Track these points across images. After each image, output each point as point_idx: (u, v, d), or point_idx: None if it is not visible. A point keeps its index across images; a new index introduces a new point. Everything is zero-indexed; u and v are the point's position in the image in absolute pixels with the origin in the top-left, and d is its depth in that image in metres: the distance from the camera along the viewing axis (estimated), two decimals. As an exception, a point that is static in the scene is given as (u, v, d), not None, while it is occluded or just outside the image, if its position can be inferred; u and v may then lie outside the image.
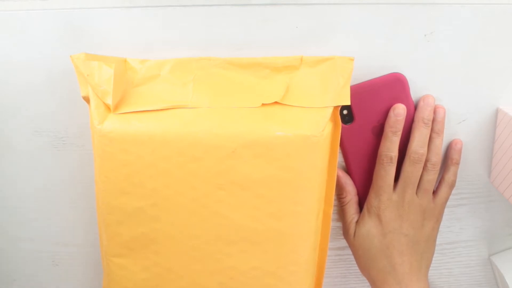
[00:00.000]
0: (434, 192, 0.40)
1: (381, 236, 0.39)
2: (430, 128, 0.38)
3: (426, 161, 0.38)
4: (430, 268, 0.41)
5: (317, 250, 0.39)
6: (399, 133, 0.38)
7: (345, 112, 0.39)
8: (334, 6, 0.37)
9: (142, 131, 0.34)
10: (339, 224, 0.43)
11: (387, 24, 0.37)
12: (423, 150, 0.38)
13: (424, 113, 0.38)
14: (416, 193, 0.39)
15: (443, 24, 0.37)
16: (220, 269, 0.36)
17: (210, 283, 0.37)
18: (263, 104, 0.35)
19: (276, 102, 0.35)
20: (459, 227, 0.44)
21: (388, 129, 0.38)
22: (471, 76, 0.39)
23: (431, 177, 0.39)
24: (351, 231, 0.41)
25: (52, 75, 0.39)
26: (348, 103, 0.35)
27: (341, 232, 0.43)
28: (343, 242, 0.44)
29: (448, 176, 0.40)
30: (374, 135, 0.39)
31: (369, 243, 0.39)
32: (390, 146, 0.38)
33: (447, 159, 0.40)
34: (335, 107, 0.35)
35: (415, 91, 0.39)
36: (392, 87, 0.38)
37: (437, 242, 0.42)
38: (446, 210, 0.41)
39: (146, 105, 0.35)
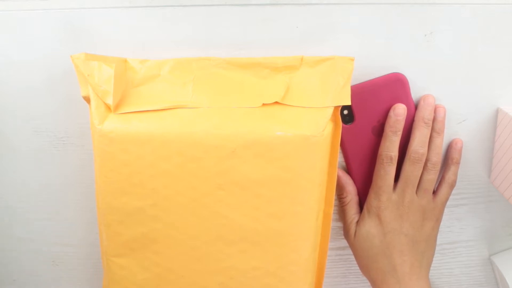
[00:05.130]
0: (434, 192, 0.40)
1: (381, 236, 0.39)
2: (430, 127, 0.38)
3: (426, 160, 0.38)
4: (431, 268, 0.41)
5: (317, 250, 0.39)
6: (399, 133, 0.38)
7: (345, 112, 0.39)
8: (334, 6, 0.37)
9: (142, 131, 0.34)
10: (339, 224, 0.43)
11: (387, 24, 0.37)
12: (423, 150, 0.38)
13: (425, 113, 0.38)
14: (416, 193, 0.39)
15: (443, 24, 0.37)
16: (220, 269, 0.36)
17: (210, 283, 0.37)
18: (263, 104, 0.35)
19: (276, 102, 0.35)
20: (459, 227, 0.44)
21: (388, 129, 0.38)
22: (471, 76, 0.39)
23: (431, 176, 0.39)
24: (352, 231, 0.41)
25: (52, 75, 0.39)
26: (348, 103, 0.35)
27: (341, 232, 0.43)
28: (343, 242, 0.44)
29: (449, 176, 0.40)
30: (374, 135, 0.39)
31: (369, 243, 0.39)
32: (390, 146, 0.38)
33: (448, 159, 0.40)
34: (336, 107, 0.35)
35: (415, 91, 0.39)
36: (392, 87, 0.38)
37: (438, 242, 0.42)
38: (446, 210, 0.41)
39: (146, 105, 0.35)
